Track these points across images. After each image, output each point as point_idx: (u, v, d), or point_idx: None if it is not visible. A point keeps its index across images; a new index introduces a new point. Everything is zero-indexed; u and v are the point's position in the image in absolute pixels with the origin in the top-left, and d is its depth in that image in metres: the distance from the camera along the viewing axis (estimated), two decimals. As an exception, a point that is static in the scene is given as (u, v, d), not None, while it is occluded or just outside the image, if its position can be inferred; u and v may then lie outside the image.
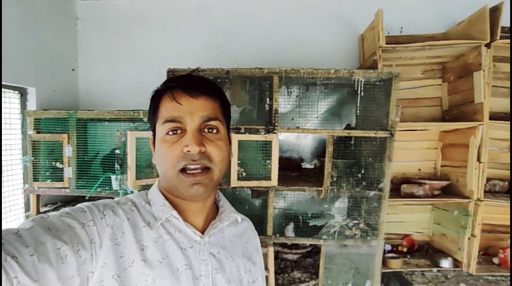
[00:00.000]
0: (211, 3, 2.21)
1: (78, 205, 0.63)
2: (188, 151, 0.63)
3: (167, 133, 0.65)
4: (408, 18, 2.13)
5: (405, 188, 1.85)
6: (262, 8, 2.21)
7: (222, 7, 2.21)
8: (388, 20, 1.93)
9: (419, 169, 2.10)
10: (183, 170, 0.65)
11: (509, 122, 1.72)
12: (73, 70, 2.20)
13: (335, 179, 1.62)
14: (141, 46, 2.24)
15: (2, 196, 1.72)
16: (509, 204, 1.72)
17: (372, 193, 1.61)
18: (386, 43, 1.72)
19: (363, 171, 1.67)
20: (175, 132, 0.65)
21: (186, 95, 0.66)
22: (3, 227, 0.52)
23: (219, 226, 0.73)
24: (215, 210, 0.78)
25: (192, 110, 0.65)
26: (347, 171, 1.69)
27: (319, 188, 1.61)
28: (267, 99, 1.86)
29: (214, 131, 0.68)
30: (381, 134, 1.59)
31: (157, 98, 0.70)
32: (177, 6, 2.22)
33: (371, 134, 1.59)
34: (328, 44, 2.19)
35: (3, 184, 1.72)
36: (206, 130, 0.67)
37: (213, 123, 0.67)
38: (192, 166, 0.64)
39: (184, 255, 0.65)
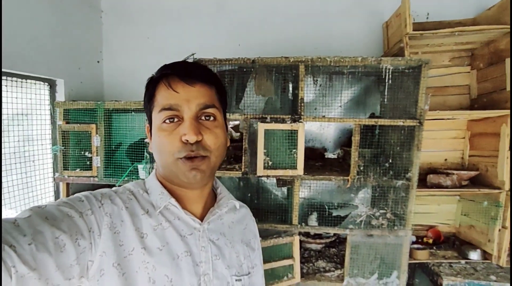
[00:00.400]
0: (232, -7, 2.20)
1: (76, 194, 0.63)
2: (187, 140, 0.63)
3: (164, 121, 0.65)
4: (434, 4, 2.06)
5: (431, 178, 1.80)
6: (283, -4, 2.18)
7: (243, -4, 2.20)
8: (414, 7, 1.87)
9: (446, 159, 2.05)
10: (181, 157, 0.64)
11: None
12: (98, 62, 2.24)
13: (361, 168, 1.60)
14: (164, 37, 2.25)
15: (34, 184, 1.78)
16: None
17: (399, 182, 1.59)
18: (413, 30, 1.68)
19: (390, 160, 1.64)
20: (172, 120, 0.65)
21: (182, 83, 0.65)
22: None
23: (218, 212, 0.73)
24: (213, 197, 0.78)
25: (189, 97, 0.64)
26: (374, 160, 1.67)
27: (346, 177, 1.59)
28: (290, 89, 1.85)
29: (211, 118, 0.67)
30: (410, 122, 1.56)
31: (152, 85, 0.68)
32: (198, -4, 2.22)
33: (399, 122, 1.56)
34: (351, 32, 2.15)
35: (35, 172, 1.79)
36: (203, 117, 0.66)
37: (210, 110, 0.66)
38: (191, 155, 0.64)
39: (184, 242, 0.66)
